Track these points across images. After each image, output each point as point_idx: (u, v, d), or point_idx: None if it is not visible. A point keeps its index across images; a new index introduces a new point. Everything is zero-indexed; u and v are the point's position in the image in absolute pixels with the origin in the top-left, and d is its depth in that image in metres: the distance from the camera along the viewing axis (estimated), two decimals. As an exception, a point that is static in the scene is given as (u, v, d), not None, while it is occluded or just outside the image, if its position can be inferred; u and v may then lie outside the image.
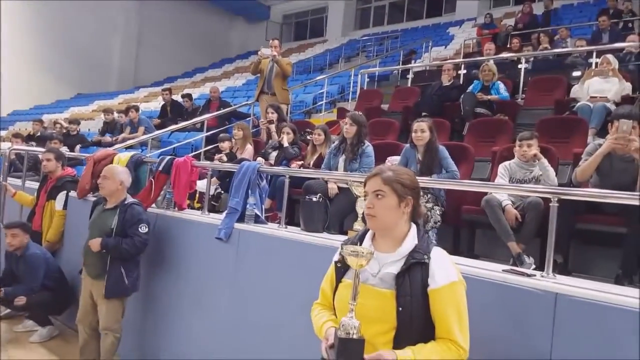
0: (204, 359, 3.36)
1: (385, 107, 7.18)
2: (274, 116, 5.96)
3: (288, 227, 3.21)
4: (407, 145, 3.97)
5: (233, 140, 5.84)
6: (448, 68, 6.33)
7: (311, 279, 2.69)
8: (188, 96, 8.94)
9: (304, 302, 2.80)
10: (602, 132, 4.69)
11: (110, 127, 8.92)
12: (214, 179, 4.88)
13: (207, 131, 6.94)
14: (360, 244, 1.76)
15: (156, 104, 12.01)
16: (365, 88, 8.51)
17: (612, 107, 4.77)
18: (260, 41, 21.74)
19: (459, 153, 4.01)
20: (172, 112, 8.85)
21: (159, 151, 6.78)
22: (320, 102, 9.43)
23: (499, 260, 3.30)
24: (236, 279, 3.24)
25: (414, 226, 1.75)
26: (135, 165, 4.48)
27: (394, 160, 4.25)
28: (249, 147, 5.73)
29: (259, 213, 3.34)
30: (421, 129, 3.78)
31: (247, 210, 3.29)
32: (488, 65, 5.81)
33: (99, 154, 4.80)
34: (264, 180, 3.47)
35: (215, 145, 6.25)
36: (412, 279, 1.62)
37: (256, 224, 3.29)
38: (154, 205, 4.07)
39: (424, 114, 5.65)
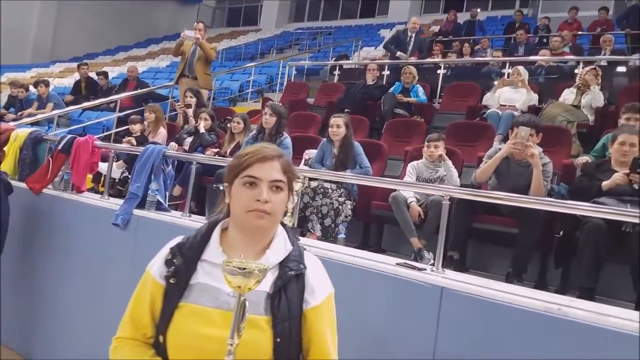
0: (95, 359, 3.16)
1: (311, 101, 7.18)
2: (192, 100, 5.76)
3: (192, 215, 3.09)
4: (324, 139, 3.99)
5: (145, 122, 5.57)
6: (372, 68, 6.43)
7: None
8: (103, 74, 8.44)
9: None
10: (508, 139, 4.97)
11: (16, 102, 8.23)
12: (121, 162, 4.63)
13: (121, 112, 6.57)
14: (201, 251, 1.26)
15: (71, 80, 11.25)
16: (292, 80, 8.47)
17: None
18: (190, 24, 20.77)
19: (374, 151, 4.09)
20: (86, 90, 8.32)
21: (67, 129, 6.33)
22: (247, 91, 9.27)
23: (404, 255, 3.40)
24: (134, 269, 3.05)
25: (280, 226, 1.33)
26: (33, 143, 4.17)
27: (310, 153, 4.25)
28: (162, 131, 5.50)
29: (161, 200, 3.18)
30: (337, 124, 3.81)
31: (149, 197, 3.12)
32: (409, 69, 5.96)
33: (-5, 128, 4.38)
34: (170, 166, 3.31)
35: (127, 127, 5.94)
36: (289, 298, 1.23)
37: (158, 211, 3.13)
38: (50, 186, 3.78)
39: (346, 110, 5.71)
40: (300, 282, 1.25)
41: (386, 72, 6.84)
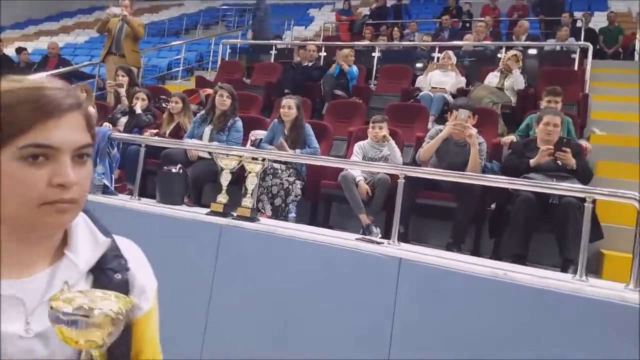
0: None
1: (247, 80, 7.11)
2: (124, 79, 5.51)
3: (142, 199, 3.04)
4: (275, 120, 4.04)
5: (74, 102, 5.27)
6: (311, 49, 6.49)
7: (170, 253, 2.60)
8: (23, 50, 7.79)
9: (162, 280, 2.68)
10: (440, 119, 5.27)
11: None
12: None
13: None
14: None
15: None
16: (227, 59, 8.31)
17: (449, 97, 5.37)
18: (108, -3, 19.85)
19: (320, 131, 4.19)
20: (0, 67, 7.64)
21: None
22: (177, 69, 8.96)
23: (351, 231, 3.57)
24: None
25: None
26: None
27: (257, 134, 4.27)
28: (92, 111, 5.24)
29: (107, 183, 3.10)
30: (289, 106, 3.88)
31: (95, 180, 3.02)
32: (346, 50, 6.10)
33: None
34: (115, 149, 3.21)
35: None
36: None
37: (105, 194, 3.04)
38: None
39: (286, 91, 5.74)
40: (123, 284, 0.78)
41: (323, 54, 6.92)
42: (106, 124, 4.76)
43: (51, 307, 0.64)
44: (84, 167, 0.71)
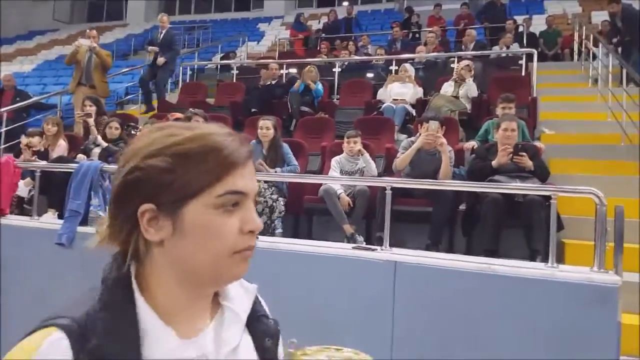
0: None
1: (210, 101, 7.23)
2: (92, 109, 5.54)
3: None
4: (253, 141, 4.21)
5: (44, 135, 5.25)
6: (273, 68, 6.70)
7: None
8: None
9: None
10: (404, 129, 5.61)
11: None
12: (28, 180, 4.38)
13: (6, 126, 6.06)
14: (132, 343, 0.61)
15: None
16: (187, 81, 8.40)
17: (410, 108, 5.73)
18: (46, 21, 19.27)
19: (295, 148, 4.40)
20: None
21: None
22: (135, 93, 8.94)
23: (333, 241, 3.80)
24: (83, 288, 3.04)
25: None
26: None
27: (234, 155, 4.43)
28: (62, 143, 5.23)
29: (103, 214, 3.19)
30: (267, 127, 4.08)
31: (91, 213, 3.12)
32: (312, 68, 6.35)
33: None
34: (107, 180, 3.31)
35: (17, 141, 5.51)
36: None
37: (102, 225, 3.13)
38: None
39: (253, 110, 5.94)
40: (277, 331, 0.75)
41: (284, 71, 7.15)
42: (80, 155, 4.79)
43: None
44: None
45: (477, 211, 3.50)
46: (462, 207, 3.79)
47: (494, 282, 2.27)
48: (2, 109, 6.08)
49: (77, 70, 6.24)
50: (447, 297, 2.33)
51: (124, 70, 9.15)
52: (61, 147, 5.21)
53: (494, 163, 3.57)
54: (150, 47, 7.41)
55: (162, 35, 7.44)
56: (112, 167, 3.65)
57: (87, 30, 6.29)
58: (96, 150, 5.06)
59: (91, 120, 5.47)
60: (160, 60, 7.18)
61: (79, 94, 6.13)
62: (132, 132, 5.66)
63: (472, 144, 4.38)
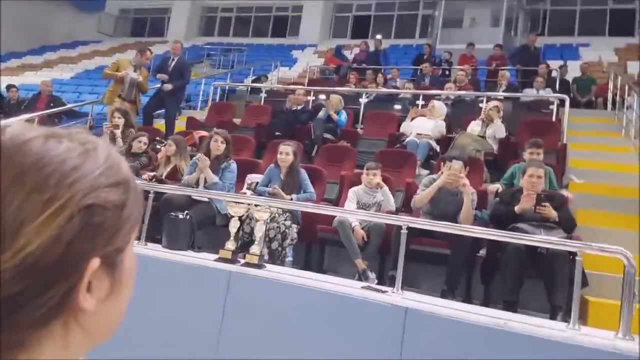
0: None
1: (237, 121, 7.27)
2: (120, 121, 5.65)
3: (149, 244, 3.11)
4: (272, 165, 4.18)
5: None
6: (300, 93, 6.72)
7: (175, 299, 2.67)
8: (12, 86, 7.84)
9: (168, 326, 2.74)
10: (426, 165, 5.50)
11: None
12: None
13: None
14: None
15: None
16: (217, 100, 8.51)
17: (434, 143, 5.63)
18: (90, 32, 20.00)
19: (313, 175, 4.35)
20: (-12, 104, 7.65)
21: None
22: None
23: (344, 273, 3.68)
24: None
25: None
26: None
27: (253, 177, 4.40)
28: None
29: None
30: (286, 152, 4.05)
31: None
32: (334, 97, 6.35)
33: None
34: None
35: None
36: None
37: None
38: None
39: (277, 133, 5.93)
40: None
41: (311, 98, 7.17)
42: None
43: None
44: None
45: (497, 258, 3.35)
46: (482, 251, 3.66)
47: (510, 340, 2.13)
48: (35, 114, 6.22)
49: (117, 85, 6.42)
50: (459, 352, 2.19)
51: (157, 86, 9.31)
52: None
53: (516, 208, 3.43)
54: (158, 75, 6.93)
55: (173, 63, 6.94)
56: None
57: (148, 52, 6.52)
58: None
59: (118, 132, 5.56)
60: (167, 86, 6.71)
61: (114, 105, 6.28)
62: (158, 146, 5.74)
63: (497, 186, 4.24)
